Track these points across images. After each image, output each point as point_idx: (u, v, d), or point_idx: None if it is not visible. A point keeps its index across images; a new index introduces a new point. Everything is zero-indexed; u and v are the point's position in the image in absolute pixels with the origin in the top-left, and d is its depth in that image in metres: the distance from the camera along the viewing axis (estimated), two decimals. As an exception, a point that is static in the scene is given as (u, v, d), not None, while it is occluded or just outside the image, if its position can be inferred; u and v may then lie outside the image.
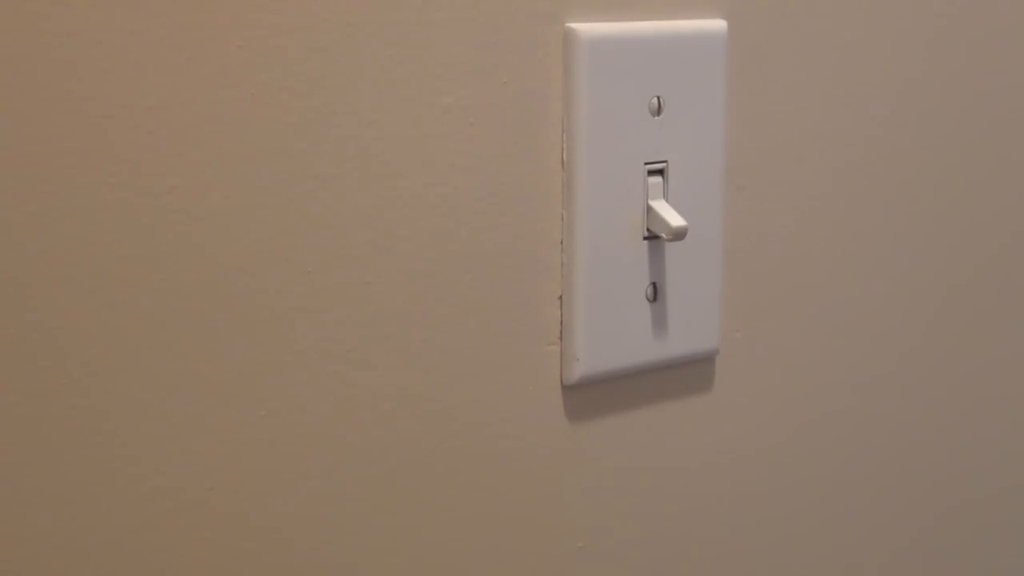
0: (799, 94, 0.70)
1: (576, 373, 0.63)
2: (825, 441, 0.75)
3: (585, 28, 0.61)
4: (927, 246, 0.77)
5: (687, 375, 0.68)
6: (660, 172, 0.64)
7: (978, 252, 0.80)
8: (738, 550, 0.72)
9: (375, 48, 0.56)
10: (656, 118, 0.63)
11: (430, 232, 0.58)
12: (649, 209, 0.63)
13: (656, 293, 0.65)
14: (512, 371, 0.62)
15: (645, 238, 0.64)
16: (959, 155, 0.78)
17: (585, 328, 0.63)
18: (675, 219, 0.63)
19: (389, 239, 0.57)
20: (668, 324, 0.65)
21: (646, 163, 0.63)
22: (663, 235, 0.63)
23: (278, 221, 0.54)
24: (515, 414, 0.62)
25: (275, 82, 0.54)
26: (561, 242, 0.62)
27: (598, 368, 0.63)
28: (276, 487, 0.56)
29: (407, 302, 0.58)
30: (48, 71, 0.49)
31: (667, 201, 0.64)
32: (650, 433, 0.67)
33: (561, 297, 0.63)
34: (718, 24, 0.65)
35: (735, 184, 0.68)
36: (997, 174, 0.80)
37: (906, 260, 0.76)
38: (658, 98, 0.63)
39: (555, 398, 0.63)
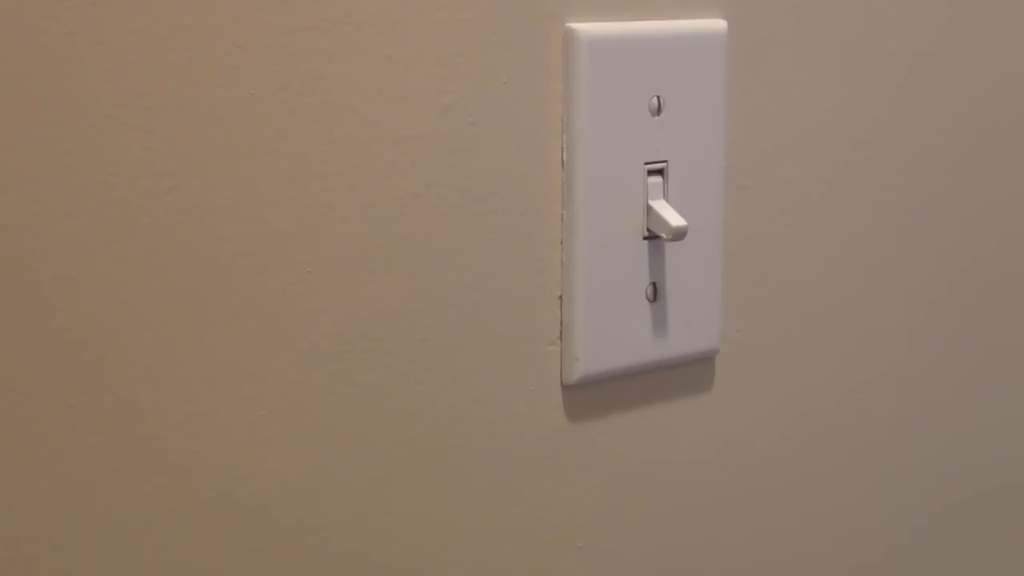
0: (799, 94, 0.70)
1: (576, 373, 0.63)
2: (824, 440, 0.75)
3: (585, 28, 0.61)
4: (926, 246, 0.77)
5: (687, 375, 0.68)
6: (660, 172, 0.64)
7: (976, 252, 0.80)
8: (738, 549, 0.72)
9: (375, 48, 0.56)
10: (656, 118, 0.63)
11: (430, 232, 0.58)
12: (649, 209, 0.63)
13: (656, 293, 0.65)
14: (512, 371, 0.62)
15: (645, 238, 0.64)
16: (959, 155, 0.78)
17: (585, 328, 0.63)
18: (675, 219, 0.63)
19: (389, 239, 0.57)
20: (668, 324, 0.65)
21: (646, 163, 0.63)
22: (663, 235, 0.63)
23: (278, 221, 0.54)
24: (515, 414, 0.62)
25: (275, 82, 0.54)
26: (561, 242, 0.62)
27: (598, 368, 0.63)
28: (276, 487, 0.56)
29: (407, 302, 0.58)
30: (48, 71, 0.49)
31: (667, 201, 0.64)
32: (650, 433, 0.67)
33: (561, 297, 0.63)
34: (718, 24, 0.65)
35: (735, 184, 0.68)
36: (996, 174, 0.80)
37: (905, 260, 0.76)
38: (658, 98, 0.63)
39: (555, 398, 0.63)
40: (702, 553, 0.70)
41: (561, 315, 0.63)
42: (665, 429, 0.68)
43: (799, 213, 0.71)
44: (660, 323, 0.65)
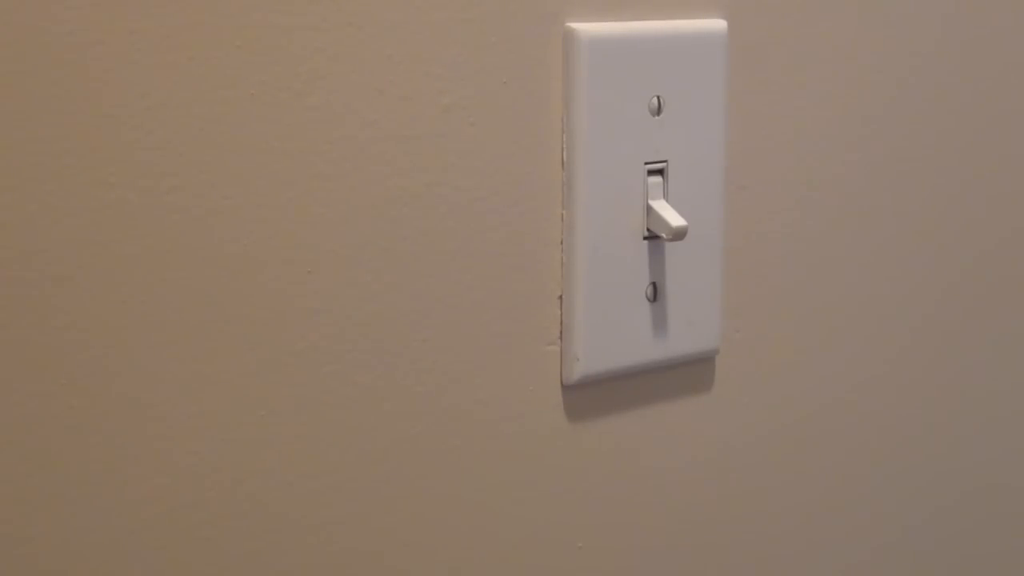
0: (799, 94, 0.70)
1: (576, 373, 0.63)
2: (824, 440, 0.75)
3: (585, 28, 0.61)
4: (925, 245, 0.77)
5: (687, 375, 0.68)
6: (660, 172, 0.64)
7: (976, 252, 0.80)
8: (738, 549, 0.72)
9: (375, 48, 0.56)
10: (656, 118, 0.63)
11: (430, 232, 0.58)
12: (649, 209, 0.63)
13: (656, 293, 0.65)
14: (512, 371, 0.62)
15: (645, 238, 0.64)
16: (958, 155, 0.78)
17: (585, 328, 0.63)
18: (675, 219, 0.63)
19: (389, 239, 0.57)
20: (668, 324, 0.65)
21: (646, 163, 0.63)
22: (663, 235, 0.63)
23: (278, 221, 0.54)
24: (515, 414, 0.62)
25: (275, 82, 0.54)
26: (561, 242, 0.62)
27: (598, 368, 0.63)
28: (276, 487, 0.56)
29: (407, 302, 0.58)
30: (48, 71, 0.49)
31: (667, 201, 0.64)
32: (650, 433, 0.67)
33: (561, 297, 0.63)
34: (718, 24, 0.65)
35: (735, 184, 0.68)
36: (995, 174, 0.80)
37: (904, 259, 0.76)
38: (658, 98, 0.63)
39: (555, 398, 0.63)
40: (702, 553, 0.70)
41: (561, 315, 0.63)
42: (665, 429, 0.68)
43: (799, 213, 0.71)
44: (660, 323, 0.65)
